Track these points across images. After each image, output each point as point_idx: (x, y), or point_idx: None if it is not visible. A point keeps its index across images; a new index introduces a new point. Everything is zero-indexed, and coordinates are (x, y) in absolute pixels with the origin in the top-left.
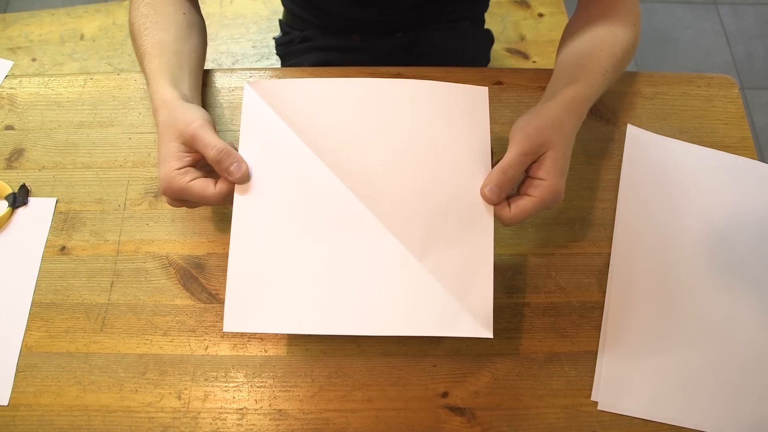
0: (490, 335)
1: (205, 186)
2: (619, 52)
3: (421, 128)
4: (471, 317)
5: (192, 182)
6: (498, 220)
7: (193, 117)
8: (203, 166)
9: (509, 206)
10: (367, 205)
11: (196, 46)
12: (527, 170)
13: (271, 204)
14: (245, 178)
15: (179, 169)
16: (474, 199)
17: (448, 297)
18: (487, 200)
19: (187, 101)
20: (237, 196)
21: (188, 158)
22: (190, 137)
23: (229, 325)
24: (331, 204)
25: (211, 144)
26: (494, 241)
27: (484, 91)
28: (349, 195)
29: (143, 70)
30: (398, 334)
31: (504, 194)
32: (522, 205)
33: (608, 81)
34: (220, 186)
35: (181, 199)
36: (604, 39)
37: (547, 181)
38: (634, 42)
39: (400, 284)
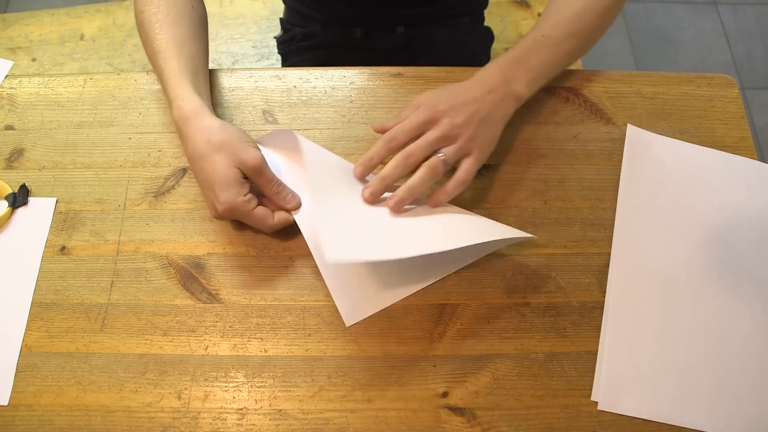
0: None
1: (266, 215)
2: (568, 13)
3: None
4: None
5: (255, 210)
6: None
7: (256, 152)
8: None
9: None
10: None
11: (205, 46)
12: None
13: None
14: (297, 206)
15: (245, 195)
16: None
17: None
18: (397, 206)
19: (210, 110)
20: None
21: (248, 185)
22: (256, 171)
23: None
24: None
25: (272, 180)
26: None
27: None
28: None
29: (156, 65)
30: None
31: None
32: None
33: (550, 44)
34: (279, 217)
35: (233, 218)
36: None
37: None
38: (599, 3)
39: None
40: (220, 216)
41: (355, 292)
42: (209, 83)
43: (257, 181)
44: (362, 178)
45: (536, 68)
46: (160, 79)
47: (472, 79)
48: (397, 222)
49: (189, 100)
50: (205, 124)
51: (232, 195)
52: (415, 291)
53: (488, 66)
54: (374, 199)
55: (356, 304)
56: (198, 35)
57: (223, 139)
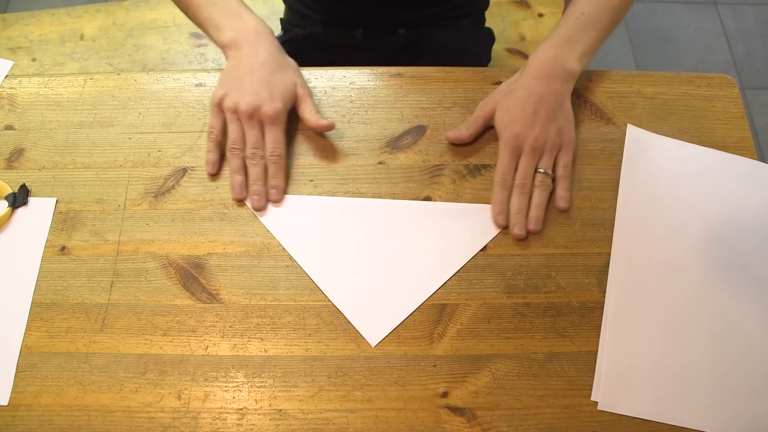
0: None
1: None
2: None
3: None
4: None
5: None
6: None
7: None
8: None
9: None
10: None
11: None
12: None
13: None
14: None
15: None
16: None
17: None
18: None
19: None
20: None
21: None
22: (306, 98)
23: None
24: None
25: (313, 108)
26: (494, 242)
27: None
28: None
29: (206, 9)
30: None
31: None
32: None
33: (592, 20)
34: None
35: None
36: None
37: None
38: None
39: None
40: (233, 107)
41: (372, 311)
42: None
43: (301, 107)
44: (505, 224)
45: (584, 44)
46: (226, 11)
47: (529, 69)
48: (399, 259)
49: (260, 21)
50: (279, 46)
51: (282, 108)
52: (431, 294)
53: (539, 51)
54: (524, 233)
55: (376, 323)
56: None
57: (295, 65)
